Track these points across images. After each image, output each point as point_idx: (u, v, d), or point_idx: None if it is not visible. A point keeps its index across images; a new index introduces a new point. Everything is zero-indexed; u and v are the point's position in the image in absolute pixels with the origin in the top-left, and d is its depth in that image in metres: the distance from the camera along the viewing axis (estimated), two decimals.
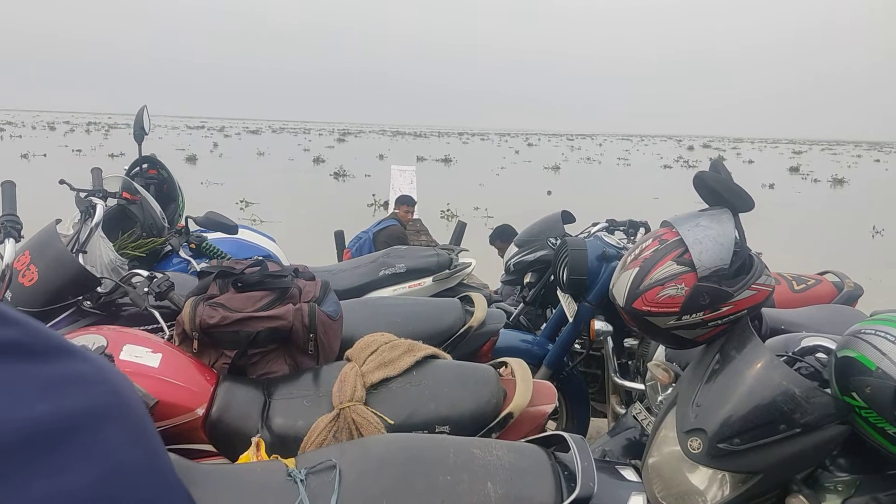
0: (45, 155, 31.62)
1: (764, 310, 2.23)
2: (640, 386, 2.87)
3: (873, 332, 1.60)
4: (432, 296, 3.37)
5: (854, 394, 1.58)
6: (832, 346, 1.80)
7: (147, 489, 0.37)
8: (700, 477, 1.73)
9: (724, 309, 1.80)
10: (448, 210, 15.45)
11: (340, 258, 5.93)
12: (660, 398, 2.34)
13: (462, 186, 23.17)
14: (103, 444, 0.35)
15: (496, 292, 4.61)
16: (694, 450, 1.68)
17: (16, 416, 0.33)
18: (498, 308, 3.05)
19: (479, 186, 23.79)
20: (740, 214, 1.90)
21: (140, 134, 3.58)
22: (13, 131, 59.58)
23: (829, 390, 1.67)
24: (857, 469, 1.70)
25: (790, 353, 1.89)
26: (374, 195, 16.77)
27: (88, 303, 2.36)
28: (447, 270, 3.53)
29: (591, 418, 3.36)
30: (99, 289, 2.38)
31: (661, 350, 2.42)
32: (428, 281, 3.50)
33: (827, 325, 2.53)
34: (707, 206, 1.95)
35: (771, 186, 27.86)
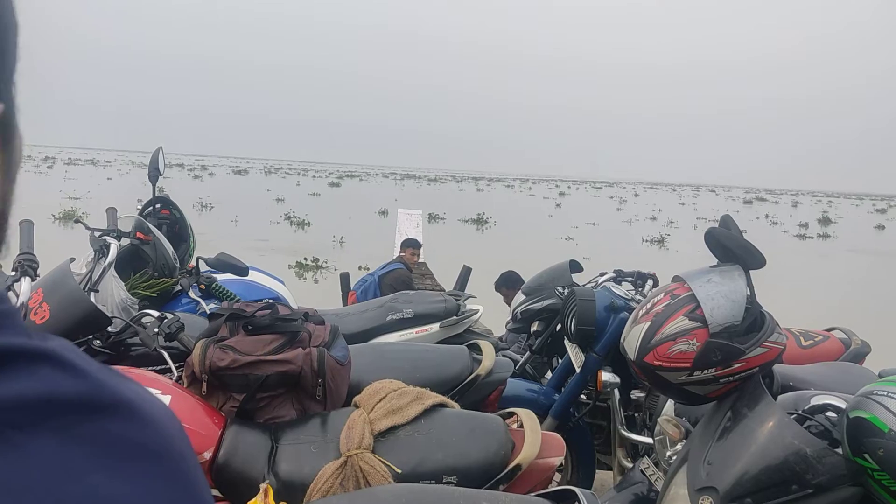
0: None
1: (775, 367, 2.22)
2: (647, 439, 2.85)
3: (885, 393, 1.59)
4: (439, 342, 3.37)
5: (866, 455, 1.57)
6: (842, 405, 1.79)
7: None
8: None
9: (736, 366, 1.79)
10: None
11: (345, 301, 5.93)
12: (668, 453, 2.31)
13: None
14: None
15: (501, 339, 4.59)
16: None
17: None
18: (504, 356, 3.04)
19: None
20: (751, 271, 1.92)
21: (154, 174, 3.62)
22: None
23: (840, 450, 1.66)
24: None
25: (800, 412, 1.88)
26: None
27: (98, 342, 2.37)
28: (455, 317, 3.53)
29: (596, 470, 3.32)
30: (109, 328, 2.39)
31: (670, 404, 2.41)
32: (435, 327, 3.50)
33: (836, 382, 2.52)
34: (718, 262, 1.97)
35: None
